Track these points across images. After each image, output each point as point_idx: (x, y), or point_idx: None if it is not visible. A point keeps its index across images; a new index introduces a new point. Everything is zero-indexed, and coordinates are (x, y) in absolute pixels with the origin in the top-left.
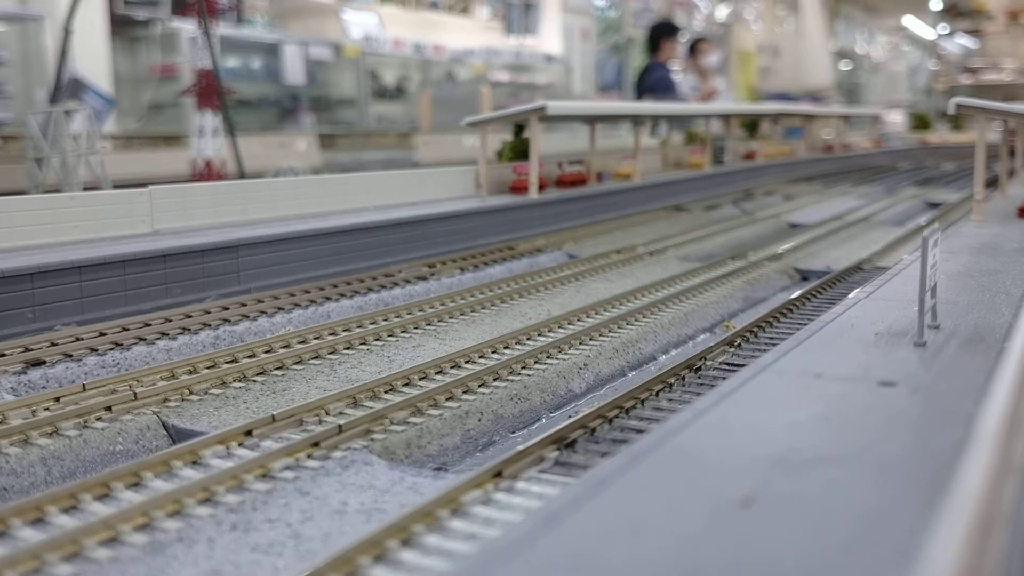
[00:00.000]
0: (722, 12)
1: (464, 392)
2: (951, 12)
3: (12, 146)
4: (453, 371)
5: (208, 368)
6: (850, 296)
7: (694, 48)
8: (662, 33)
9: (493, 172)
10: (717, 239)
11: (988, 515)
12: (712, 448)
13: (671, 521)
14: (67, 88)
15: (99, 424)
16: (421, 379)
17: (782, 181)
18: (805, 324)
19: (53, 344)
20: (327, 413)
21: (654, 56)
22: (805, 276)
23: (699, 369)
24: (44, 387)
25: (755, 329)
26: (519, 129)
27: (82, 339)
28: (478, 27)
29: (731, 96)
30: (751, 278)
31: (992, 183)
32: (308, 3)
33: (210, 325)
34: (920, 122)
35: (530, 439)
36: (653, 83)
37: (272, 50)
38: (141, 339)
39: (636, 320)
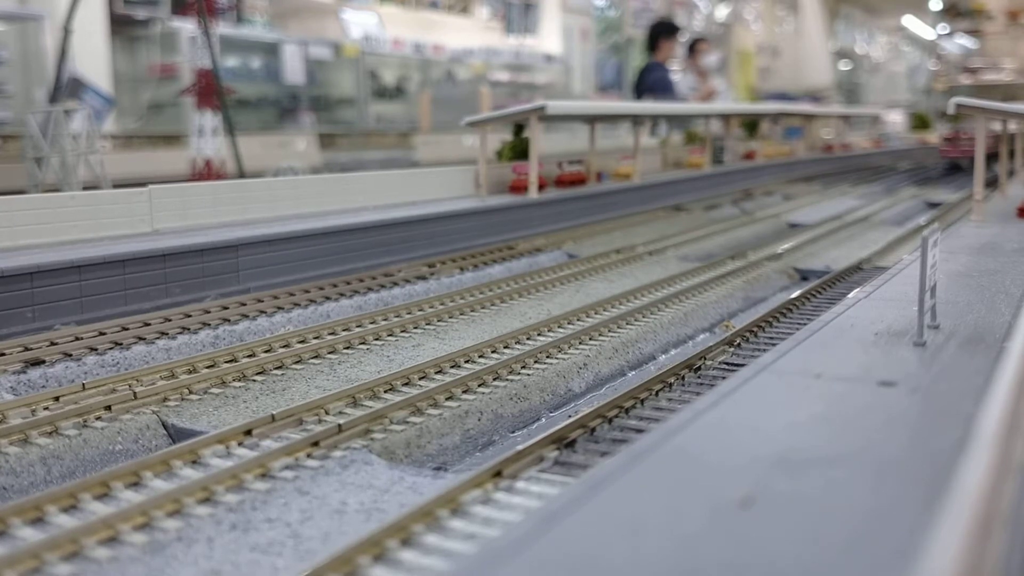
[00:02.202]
0: (722, 12)
1: (464, 392)
2: (951, 12)
3: (12, 146)
4: (453, 371)
5: (208, 367)
6: (850, 296)
7: (693, 48)
8: (661, 33)
9: (493, 172)
10: (717, 239)
11: (988, 515)
12: (712, 448)
13: (671, 521)
14: (67, 87)
15: (99, 423)
16: (421, 379)
17: (782, 181)
18: (805, 324)
19: (52, 343)
20: (327, 412)
21: (653, 56)
22: (805, 276)
23: (699, 369)
24: (44, 386)
25: (755, 329)
26: (519, 129)
27: (81, 338)
28: (478, 27)
29: (731, 96)
30: (751, 278)
31: (992, 183)
32: (308, 3)
33: (209, 325)
34: (920, 122)
35: (530, 439)
36: (652, 83)
37: (272, 50)
38: (140, 338)
39: (636, 320)
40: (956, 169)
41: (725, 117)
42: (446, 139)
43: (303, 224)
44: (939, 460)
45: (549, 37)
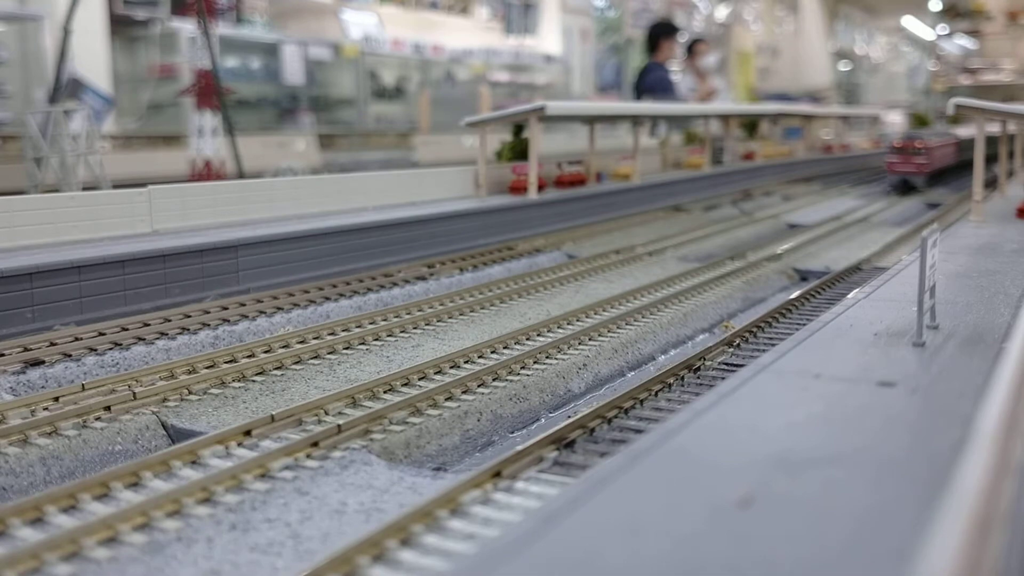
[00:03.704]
0: (721, 12)
1: (463, 392)
2: (950, 13)
3: (11, 146)
4: (452, 371)
5: (207, 368)
6: (849, 296)
7: (692, 48)
8: (661, 33)
9: (492, 172)
10: (716, 239)
11: (986, 515)
12: (711, 448)
13: (670, 521)
14: (66, 88)
15: (98, 424)
16: (420, 379)
17: (781, 181)
18: (804, 324)
19: (52, 344)
20: (326, 413)
21: (653, 56)
22: (804, 276)
23: (698, 369)
24: (43, 387)
25: (754, 329)
26: (518, 129)
27: (81, 339)
28: (477, 27)
29: (730, 96)
30: (750, 278)
31: (991, 184)
32: (307, 3)
33: (209, 325)
34: (919, 123)
35: (529, 439)
36: (651, 83)
37: (271, 50)
38: (140, 339)
39: (635, 320)
40: (908, 189)
41: (724, 118)
42: (446, 139)
43: (303, 225)
44: (938, 460)
45: (549, 37)
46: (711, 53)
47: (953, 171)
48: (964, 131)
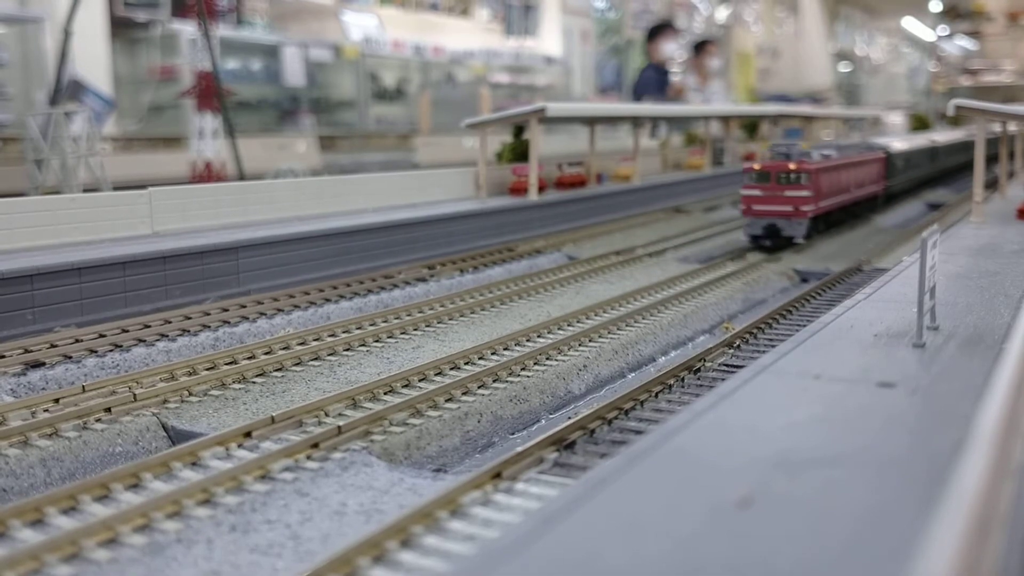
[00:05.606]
0: (722, 14)
1: (463, 393)
2: (951, 14)
3: (12, 148)
4: (452, 372)
5: (207, 369)
6: (849, 298)
7: (700, 48)
8: (656, 34)
9: (493, 174)
10: (716, 240)
11: (986, 515)
12: (711, 449)
13: (670, 521)
14: (67, 90)
15: (99, 425)
16: (420, 381)
17: None
18: (804, 325)
19: (53, 345)
20: (326, 414)
21: (650, 57)
22: (804, 278)
23: (698, 370)
24: (44, 388)
25: (754, 330)
26: (519, 131)
27: (81, 340)
28: (478, 29)
29: (729, 98)
30: (750, 279)
31: (992, 185)
32: (308, 5)
33: (209, 327)
34: (919, 123)
35: (529, 440)
36: (641, 85)
37: (272, 52)
38: (140, 340)
39: (635, 322)
40: (781, 244)
41: (725, 119)
42: (446, 141)
43: (303, 226)
44: (938, 461)
45: (549, 39)
46: (715, 56)
47: (871, 207)
48: (901, 142)
